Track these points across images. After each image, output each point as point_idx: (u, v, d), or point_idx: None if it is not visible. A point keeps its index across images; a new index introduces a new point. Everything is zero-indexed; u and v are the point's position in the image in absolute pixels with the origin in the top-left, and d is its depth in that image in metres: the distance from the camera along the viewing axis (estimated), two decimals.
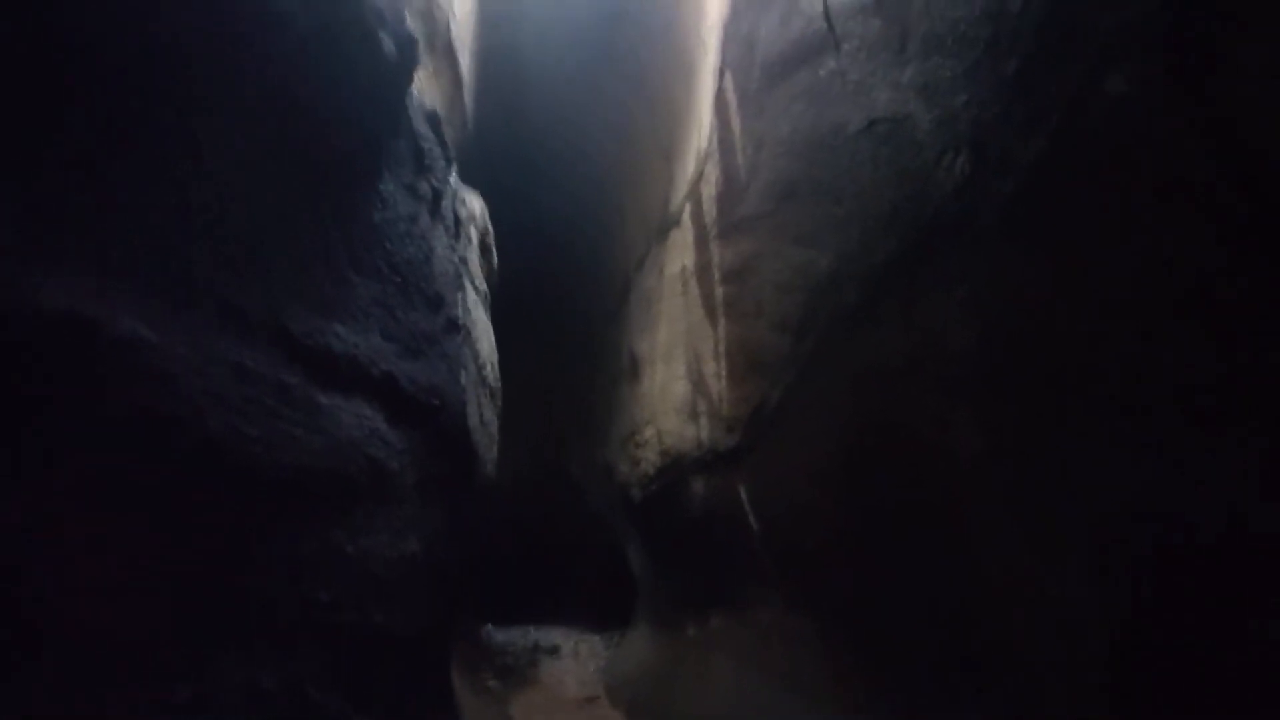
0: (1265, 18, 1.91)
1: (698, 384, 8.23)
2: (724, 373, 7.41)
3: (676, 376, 8.84)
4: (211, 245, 3.11)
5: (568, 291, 12.84)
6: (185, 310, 2.95)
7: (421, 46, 6.16)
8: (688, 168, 8.65)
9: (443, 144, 5.41)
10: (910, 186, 4.02)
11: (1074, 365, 3.09)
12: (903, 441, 4.42)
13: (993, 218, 3.40)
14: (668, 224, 9.51)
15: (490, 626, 12.06)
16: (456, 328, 5.38)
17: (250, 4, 3.36)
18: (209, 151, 3.18)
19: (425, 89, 6.51)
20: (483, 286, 6.79)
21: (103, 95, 2.76)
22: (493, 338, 7.03)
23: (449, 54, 7.08)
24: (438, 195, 5.17)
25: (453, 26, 6.94)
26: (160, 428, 2.81)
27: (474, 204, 6.82)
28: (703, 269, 8.04)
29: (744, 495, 7.04)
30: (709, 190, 7.67)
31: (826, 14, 4.68)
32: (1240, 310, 2.39)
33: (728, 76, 6.67)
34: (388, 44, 4.08)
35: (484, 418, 6.33)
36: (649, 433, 9.86)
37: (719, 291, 7.49)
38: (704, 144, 7.79)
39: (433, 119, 5.23)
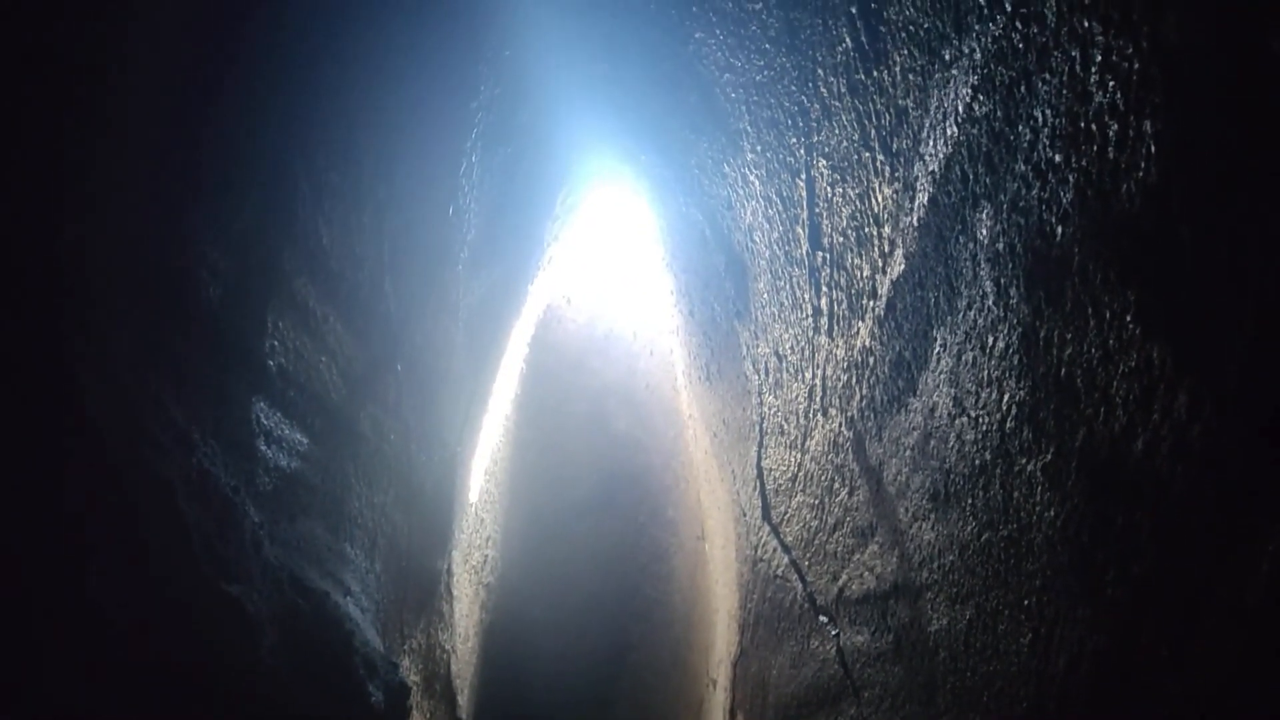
0: None
1: None
2: None
3: None
4: None
5: None
6: None
7: (418, 690, 5.90)
8: None
9: None
10: None
11: None
12: None
13: None
14: None
15: None
16: None
17: (236, 652, 3.16)
18: None
19: None
20: None
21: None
22: None
23: (447, 694, 6.79)
24: None
25: (453, 665, 6.73)
26: None
27: None
28: None
29: None
30: None
31: (841, 657, 4.47)
32: None
33: (740, 718, 6.30)
34: (376, 696, 3.81)
35: None
36: None
37: None
38: None
39: None
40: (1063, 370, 2.18)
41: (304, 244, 3.60)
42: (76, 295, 2.61)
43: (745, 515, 6.00)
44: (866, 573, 4.16)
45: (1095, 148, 1.87)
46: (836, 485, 4.43)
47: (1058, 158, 2.03)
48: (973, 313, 2.65)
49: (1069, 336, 2.13)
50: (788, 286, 4.45)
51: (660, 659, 9.47)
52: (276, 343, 3.44)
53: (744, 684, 6.21)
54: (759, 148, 4.24)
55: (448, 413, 5.50)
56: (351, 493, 4.19)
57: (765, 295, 4.79)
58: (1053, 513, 2.38)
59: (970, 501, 2.91)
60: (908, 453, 3.53)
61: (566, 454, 9.23)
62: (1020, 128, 2.18)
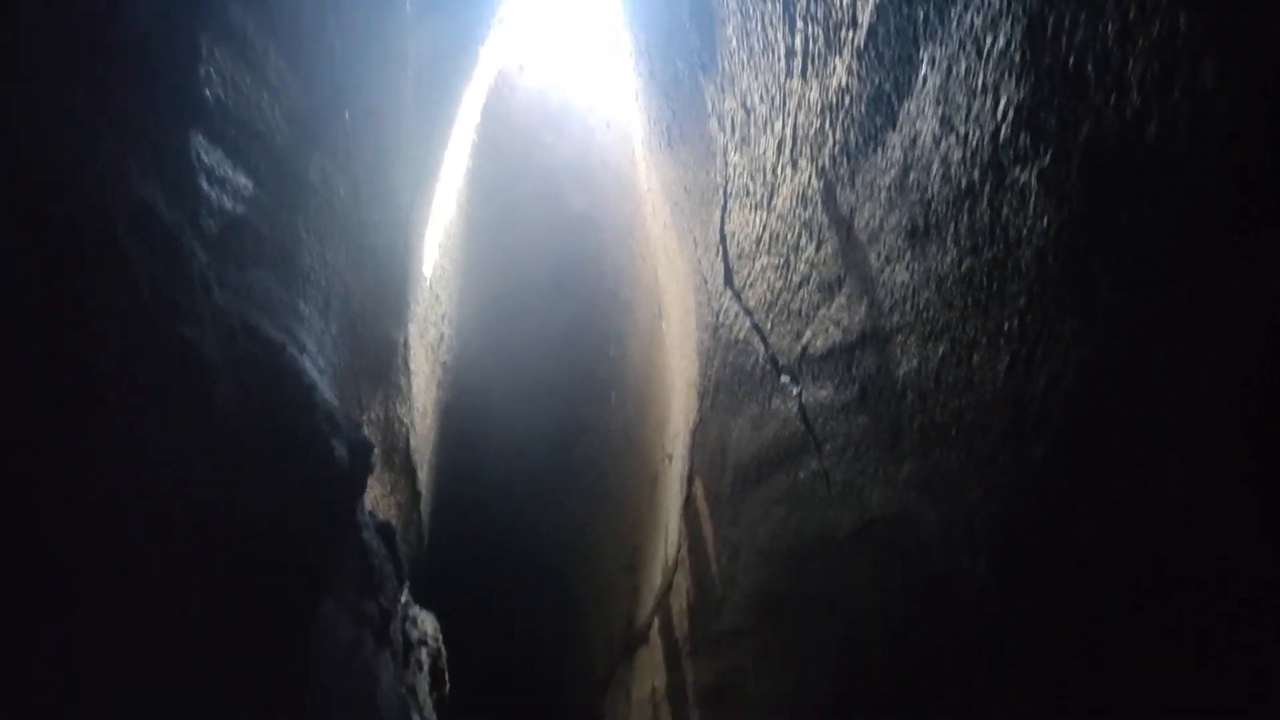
0: None
1: None
2: None
3: None
4: (96, 693, 2.54)
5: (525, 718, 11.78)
6: None
7: (379, 459, 5.91)
8: (654, 580, 8.23)
9: (395, 560, 4.94)
10: (920, 597, 3.57)
11: None
12: None
13: (1028, 641, 2.92)
14: (634, 641, 8.91)
15: None
16: None
17: (190, 402, 3.04)
18: (116, 574, 2.70)
19: (380, 505, 6.17)
20: (432, 719, 5.99)
21: None
22: None
23: (407, 468, 6.83)
24: (386, 617, 4.61)
25: (412, 440, 6.74)
26: None
27: (426, 624, 6.22)
28: (675, 690, 7.35)
29: None
30: (679, 603, 7.18)
31: (803, 414, 4.49)
32: None
33: (698, 483, 6.43)
34: (339, 450, 3.75)
35: None
36: None
37: (694, 716, 6.77)
38: (672, 554, 7.42)
39: (385, 531, 4.81)
40: (1071, 58, 2.03)
41: None
42: None
43: (706, 283, 5.93)
44: (832, 327, 4.12)
45: None
46: (803, 241, 4.33)
47: None
48: (969, 15, 2.47)
49: (1082, 18, 1.97)
50: (759, 28, 4.19)
51: (614, 440, 9.62)
52: (212, 71, 3.17)
53: (703, 450, 6.31)
54: None
55: (399, 175, 5.24)
56: (303, 247, 4.01)
57: (734, 41, 4.53)
58: (1045, 222, 2.29)
59: (952, 229, 2.81)
60: (883, 194, 3.41)
61: (519, 235, 9.01)
62: None
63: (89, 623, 2.62)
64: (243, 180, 3.44)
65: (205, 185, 3.18)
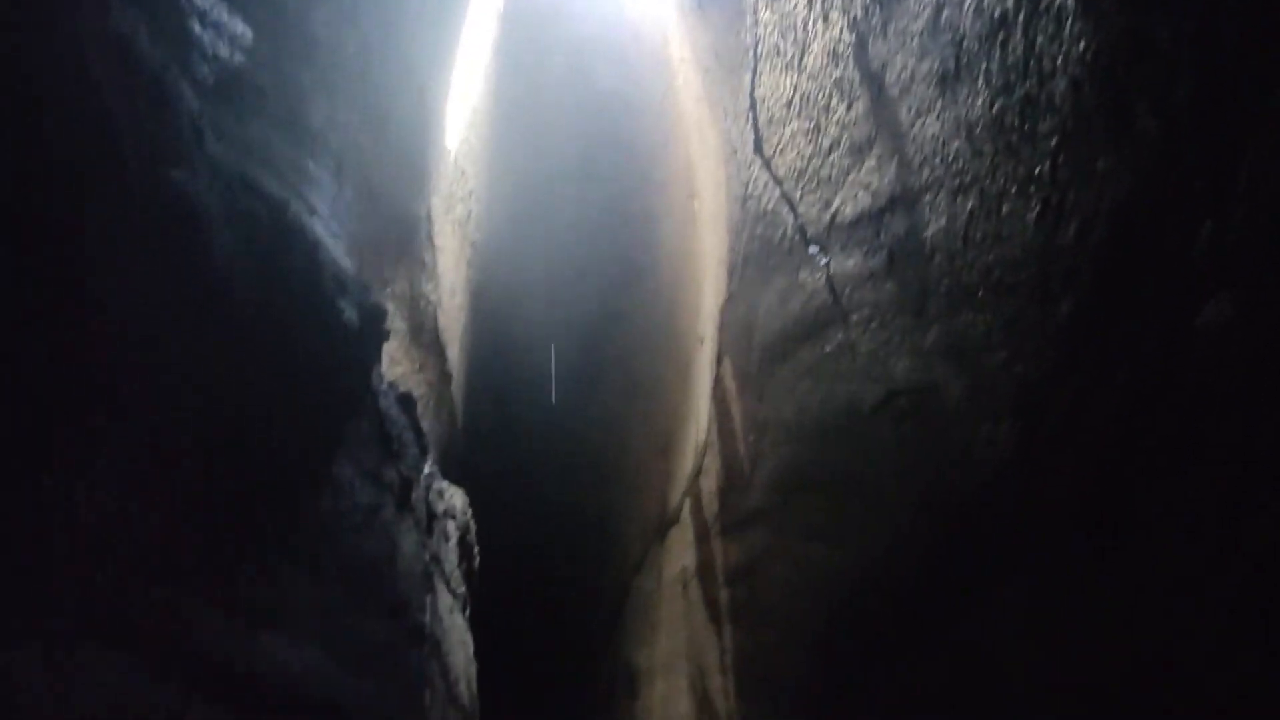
0: None
1: (702, 701, 7.34)
2: (732, 689, 6.57)
3: (678, 690, 7.94)
4: (102, 555, 2.51)
5: (559, 599, 12.02)
6: (53, 641, 2.31)
7: (405, 334, 5.87)
8: (686, 462, 8.22)
9: (416, 429, 4.92)
10: (943, 468, 3.46)
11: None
12: None
13: (1052, 501, 2.82)
14: (666, 523, 8.96)
15: None
16: (422, 638, 4.64)
17: (187, 261, 2.95)
18: (115, 442, 2.64)
19: (410, 381, 6.14)
20: (461, 589, 6.07)
21: None
22: (470, 648, 6.21)
23: (435, 346, 6.77)
24: (407, 485, 4.61)
25: (440, 317, 6.67)
26: None
27: (455, 498, 6.24)
28: (705, 569, 7.39)
29: None
30: (709, 484, 7.16)
31: (830, 285, 4.34)
32: None
33: (726, 362, 6.33)
34: (348, 313, 3.66)
35: None
36: None
37: (723, 595, 6.80)
38: (702, 436, 7.38)
39: (406, 401, 4.77)
40: None
41: None
42: None
43: (736, 154, 5.72)
44: (861, 192, 3.94)
45: None
46: (834, 101, 4.11)
47: None
48: None
49: None
50: None
51: (649, 325, 9.50)
52: None
53: (731, 327, 6.19)
54: None
55: (414, 37, 5.04)
56: (310, 105, 3.86)
57: None
58: (1081, 46, 2.09)
59: (984, 67, 2.61)
60: (914, 41, 3.19)
61: (548, 114, 8.75)
62: None
63: (91, 488, 2.58)
64: (240, 28, 3.29)
65: (197, 27, 3.04)
